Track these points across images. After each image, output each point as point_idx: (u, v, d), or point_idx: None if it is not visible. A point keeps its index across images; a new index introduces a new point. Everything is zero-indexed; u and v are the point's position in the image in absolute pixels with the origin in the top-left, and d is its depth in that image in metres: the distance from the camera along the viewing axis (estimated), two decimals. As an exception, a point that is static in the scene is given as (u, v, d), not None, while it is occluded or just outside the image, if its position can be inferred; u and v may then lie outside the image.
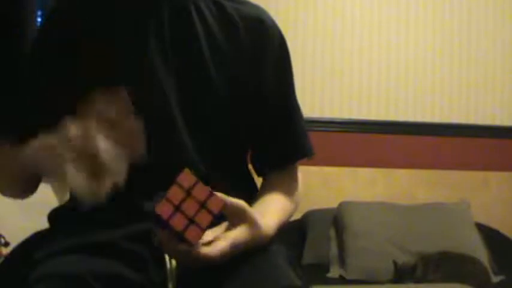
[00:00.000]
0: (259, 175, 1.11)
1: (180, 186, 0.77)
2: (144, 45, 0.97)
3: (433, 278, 2.26)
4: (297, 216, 2.76)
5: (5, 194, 1.02)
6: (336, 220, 2.71)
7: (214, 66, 0.98)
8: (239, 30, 1.02)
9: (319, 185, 2.90)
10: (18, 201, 1.00)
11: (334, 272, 2.51)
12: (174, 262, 0.85)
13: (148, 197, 0.89)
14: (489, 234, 2.77)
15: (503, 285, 2.40)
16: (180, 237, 0.77)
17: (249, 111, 1.02)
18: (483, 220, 2.88)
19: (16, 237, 0.93)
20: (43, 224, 0.96)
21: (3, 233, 2.04)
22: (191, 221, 0.76)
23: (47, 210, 0.99)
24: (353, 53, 3.08)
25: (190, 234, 0.76)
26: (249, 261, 0.87)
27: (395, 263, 2.34)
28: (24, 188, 1.01)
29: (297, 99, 1.11)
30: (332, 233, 2.67)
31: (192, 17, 1.00)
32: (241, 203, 0.87)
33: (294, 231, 2.70)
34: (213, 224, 0.81)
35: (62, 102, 0.94)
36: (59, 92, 0.95)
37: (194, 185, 0.78)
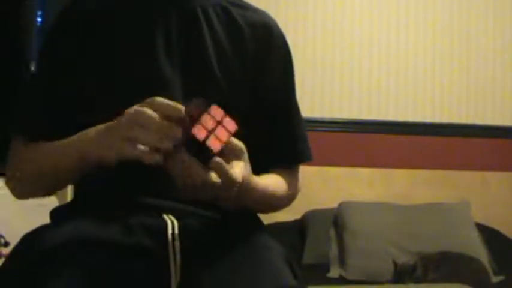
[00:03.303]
0: None
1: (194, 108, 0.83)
2: (151, 46, 0.99)
3: (433, 278, 2.26)
4: (297, 216, 2.76)
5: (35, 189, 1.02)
6: (336, 220, 2.70)
7: (219, 68, 1.01)
8: (244, 36, 1.05)
9: (319, 185, 2.90)
10: (19, 202, 1.00)
11: (334, 272, 2.50)
12: (178, 257, 0.86)
13: (148, 193, 0.91)
14: (489, 234, 2.77)
15: (503, 285, 2.40)
16: (201, 150, 0.80)
17: (251, 114, 1.03)
18: (483, 220, 2.88)
19: (16, 237, 0.93)
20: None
21: (3, 233, 2.04)
22: (211, 132, 0.81)
23: (47, 211, 1.00)
24: (353, 53, 3.08)
25: (211, 143, 0.80)
26: (246, 261, 0.88)
27: (395, 263, 2.34)
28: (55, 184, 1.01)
29: (298, 105, 1.13)
30: (332, 233, 2.67)
31: (199, 20, 1.02)
32: (242, 144, 0.87)
33: (294, 231, 2.70)
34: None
35: (71, 98, 0.98)
36: (69, 88, 0.98)
37: (209, 107, 0.82)
